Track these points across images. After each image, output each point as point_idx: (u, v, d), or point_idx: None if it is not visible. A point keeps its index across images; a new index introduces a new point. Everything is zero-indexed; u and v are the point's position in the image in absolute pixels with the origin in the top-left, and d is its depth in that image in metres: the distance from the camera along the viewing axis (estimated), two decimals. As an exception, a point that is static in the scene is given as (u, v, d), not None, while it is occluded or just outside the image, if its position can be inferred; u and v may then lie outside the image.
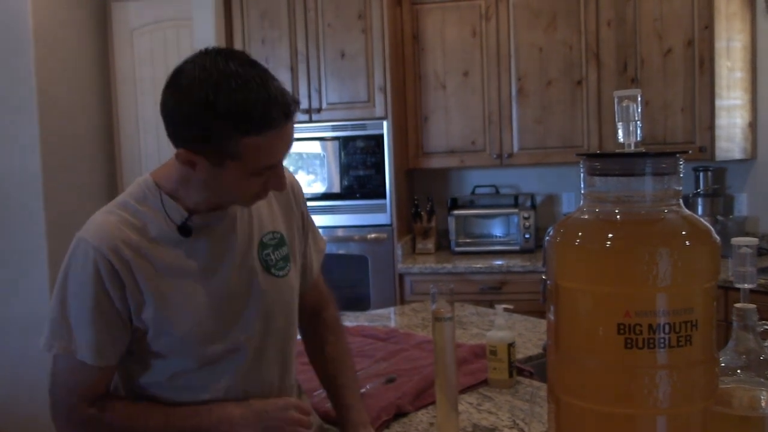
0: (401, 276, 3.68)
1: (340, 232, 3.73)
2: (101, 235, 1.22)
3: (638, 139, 1.02)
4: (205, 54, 1.17)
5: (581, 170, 1.03)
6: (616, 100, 1.03)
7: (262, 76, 1.16)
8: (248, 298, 1.32)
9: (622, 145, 1.03)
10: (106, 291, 1.21)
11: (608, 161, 1.00)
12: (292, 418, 1.30)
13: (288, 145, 1.22)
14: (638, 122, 1.02)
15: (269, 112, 1.14)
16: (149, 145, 4.25)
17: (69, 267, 1.23)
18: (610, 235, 0.97)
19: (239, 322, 1.31)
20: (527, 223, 3.83)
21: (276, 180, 1.25)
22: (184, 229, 1.26)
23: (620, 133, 1.03)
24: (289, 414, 1.30)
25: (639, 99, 1.02)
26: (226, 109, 1.12)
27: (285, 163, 1.28)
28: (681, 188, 1.00)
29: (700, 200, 3.70)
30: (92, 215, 1.28)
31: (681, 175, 0.99)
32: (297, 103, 1.20)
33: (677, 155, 0.98)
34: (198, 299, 1.27)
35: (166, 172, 1.29)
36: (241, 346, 1.32)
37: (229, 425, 1.28)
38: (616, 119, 1.03)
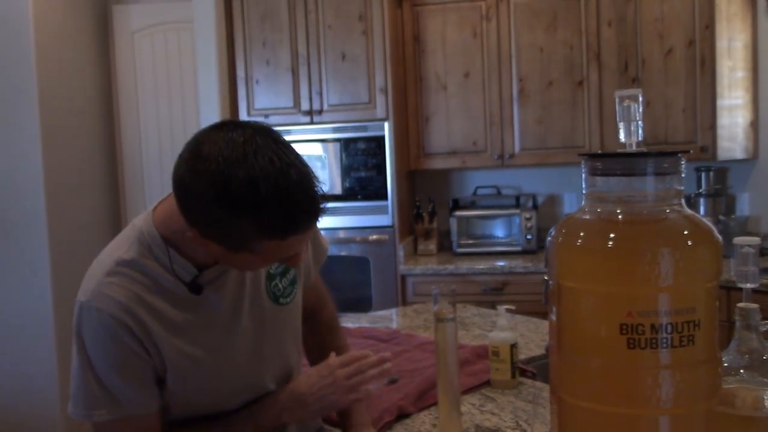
0: (403, 277, 3.68)
1: (341, 234, 3.73)
2: (111, 299, 1.15)
3: (640, 139, 1.02)
4: (232, 133, 1.05)
5: (583, 170, 1.02)
6: (617, 100, 1.03)
7: (293, 176, 1.04)
8: (263, 336, 1.32)
9: (624, 145, 1.02)
10: (129, 348, 1.16)
11: (610, 161, 1.00)
12: (339, 377, 1.30)
13: (309, 236, 1.15)
14: (639, 122, 1.01)
15: (297, 222, 1.07)
16: (150, 147, 4.26)
17: (84, 339, 1.17)
18: (612, 235, 0.97)
19: (257, 358, 1.31)
20: (529, 224, 3.83)
21: (292, 260, 1.18)
22: (194, 287, 1.20)
23: (621, 133, 1.02)
24: (336, 375, 1.30)
25: (640, 99, 1.02)
26: (253, 216, 1.03)
27: None
28: (683, 188, 1.00)
29: (702, 200, 3.70)
30: (92, 273, 1.19)
31: (683, 175, 0.99)
32: (326, 198, 1.11)
33: (679, 155, 0.98)
34: (216, 353, 1.25)
35: (171, 222, 1.17)
36: (258, 376, 1.33)
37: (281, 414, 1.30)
38: (618, 119, 1.03)
